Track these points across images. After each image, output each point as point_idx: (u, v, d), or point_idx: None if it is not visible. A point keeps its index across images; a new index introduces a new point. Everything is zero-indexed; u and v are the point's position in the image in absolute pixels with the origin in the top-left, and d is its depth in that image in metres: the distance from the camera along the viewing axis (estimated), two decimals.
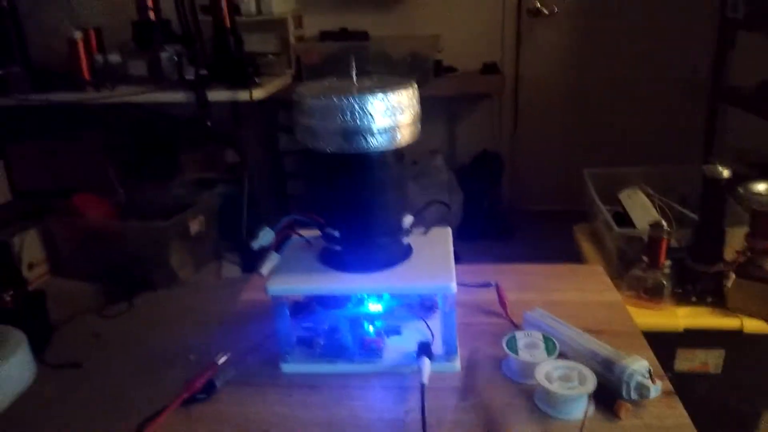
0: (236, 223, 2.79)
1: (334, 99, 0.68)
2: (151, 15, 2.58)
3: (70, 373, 2.09)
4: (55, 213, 2.78)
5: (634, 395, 0.68)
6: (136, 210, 2.79)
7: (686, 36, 2.97)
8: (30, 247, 2.74)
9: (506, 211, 3.25)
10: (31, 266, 2.73)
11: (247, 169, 2.77)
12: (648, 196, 1.80)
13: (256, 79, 2.54)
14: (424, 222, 0.86)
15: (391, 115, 0.69)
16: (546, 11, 3.08)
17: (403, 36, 3.06)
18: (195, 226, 2.79)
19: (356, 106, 0.68)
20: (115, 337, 2.34)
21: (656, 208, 1.76)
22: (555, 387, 0.66)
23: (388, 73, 2.55)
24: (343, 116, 0.68)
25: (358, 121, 0.68)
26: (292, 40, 3.00)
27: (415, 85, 0.73)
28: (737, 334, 1.41)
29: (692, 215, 1.70)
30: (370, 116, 0.68)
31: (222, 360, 0.78)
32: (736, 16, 2.31)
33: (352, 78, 0.75)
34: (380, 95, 0.68)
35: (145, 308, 2.56)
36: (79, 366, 2.12)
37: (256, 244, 0.76)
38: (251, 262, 2.78)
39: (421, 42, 2.93)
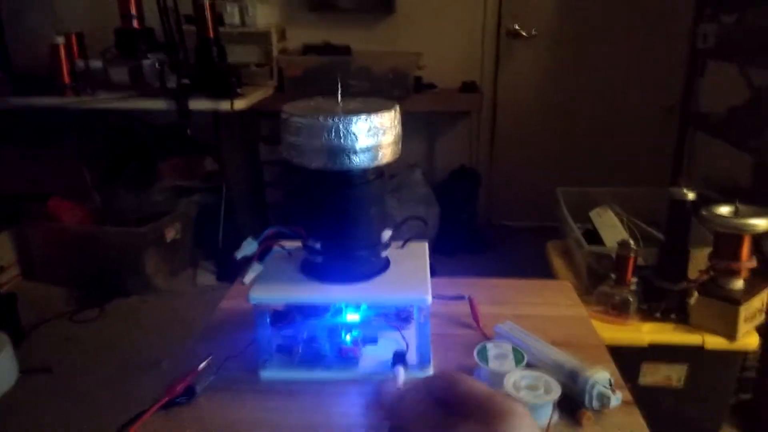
0: (212, 231, 2.79)
1: (320, 119, 0.71)
2: (135, 23, 2.59)
3: (41, 378, 2.07)
4: (30, 217, 2.76)
5: (595, 404, 0.72)
6: (112, 216, 2.78)
7: (659, 63, 3.08)
8: (2, 249, 2.72)
9: (482, 226, 3.31)
10: (2, 269, 2.70)
11: (226, 177, 2.78)
12: (617, 215, 1.86)
13: (238, 90, 2.57)
14: (402, 236, 0.90)
15: (373, 135, 0.73)
16: (525, 33, 3.17)
17: (385, 52, 3.11)
18: (171, 234, 2.78)
19: (341, 127, 0.71)
20: (87, 343, 2.33)
21: (625, 228, 1.82)
22: (522, 395, 0.70)
23: (369, 88, 2.58)
24: (327, 135, 0.71)
25: (342, 140, 0.72)
26: (275, 52, 3.03)
27: (398, 107, 0.77)
28: (699, 350, 1.47)
29: (659, 235, 1.77)
30: (353, 136, 0.72)
31: (202, 365, 0.80)
32: (706, 46, 2.41)
33: (337, 98, 0.79)
34: (364, 116, 0.72)
35: (117, 314, 2.55)
36: (49, 371, 2.11)
37: (239, 254, 0.79)
38: (226, 270, 2.79)
39: (402, 59, 2.98)
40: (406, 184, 2.99)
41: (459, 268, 2.87)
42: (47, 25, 2.97)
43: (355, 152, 0.73)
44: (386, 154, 0.76)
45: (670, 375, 1.52)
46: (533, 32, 3.16)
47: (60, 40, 2.62)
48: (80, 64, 2.63)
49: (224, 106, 2.50)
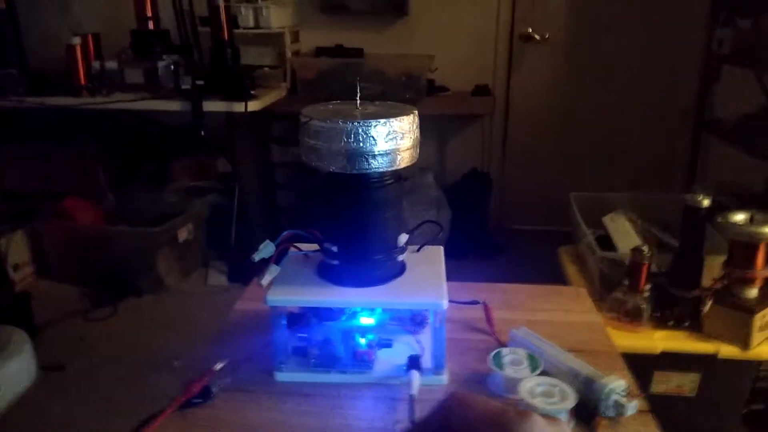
0: (225, 232, 2.81)
1: (340, 122, 0.72)
2: (150, 24, 2.61)
3: (54, 376, 2.09)
4: (44, 215, 2.78)
5: (611, 412, 0.72)
6: (126, 216, 2.80)
7: (673, 67, 3.06)
8: (17, 248, 2.74)
9: (493, 230, 3.30)
10: (16, 267, 2.72)
11: (238, 178, 2.79)
12: (631, 221, 1.85)
13: (252, 91, 2.58)
14: (416, 239, 0.90)
15: (392, 139, 0.73)
16: (537, 37, 3.16)
17: (398, 55, 3.11)
18: (183, 234, 2.80)
19: (360, 130, 0.72)
20: (100, 342, 2.35)
21: (638, 234, 1.81)
22: (537, 402, 0.69)
23: (381, 90, 2.58)
24: (347, 139, 0.72)
25: (361, 144, 0.72)
26: (288, 54, 3.04)
27: (416, 112, 0.77)
28: (712, 359, 1.46)
29: (673, 242, 1.76)
30: (372, 140, 0.72)
31: (219, 366, 0.81)
32: (721, 51, 2.39)
33: (354, 102, 0.79)
34: (383, 121, 0.72)
35: (130, 313, 2.57)
36: (62, 369, 2.12)
37: (257, 256, 0.79)
38: (238, 271, 2.80)
39: (415, 61, 2.98)
40: (418, 187, 2.99)
41: (470, 271, 2.85)
42: (64, 26, 3.00)
43: (374, 156, 0.74)
44: (404, 158, 0.77)
45: (683, 384, 1.51)
46: (546, 36, 3.15)
47: (76, 40, 2.64)
48: (96, 65, 2.65)
49: (238, 107, 2.51)
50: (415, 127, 0.77)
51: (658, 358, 1.48)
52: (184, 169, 3.06)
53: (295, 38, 3.18)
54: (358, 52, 3.06)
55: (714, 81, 2.67)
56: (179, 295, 2.71)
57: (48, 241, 2.80)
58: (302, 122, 0.76)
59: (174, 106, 2.54)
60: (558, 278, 1.95)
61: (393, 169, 0.76)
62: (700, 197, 1.48)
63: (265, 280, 0.79)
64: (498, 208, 3.37)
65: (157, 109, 2.61)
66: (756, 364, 1.52)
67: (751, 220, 1.41)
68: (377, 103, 0.80)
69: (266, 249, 0.80)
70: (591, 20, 3.11)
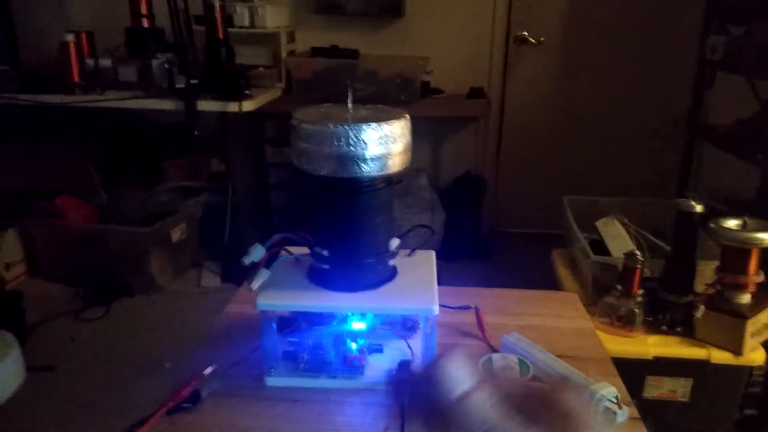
0: (218, 232, 2.79)
1: (330, 126, 0.71)
2: (145, 22, 2.60)
3: (44, 376, 2.07)
4: (36, 214, 2.76)
5: (601, 419, 0.72)
6: (118, 215, 2.79)
7: (667, 73, 3.07)
8: (8, 247, 2.72)
9: (487, 233, 3.30)
10: (8, 266, 2.71)
11: (232, 178, 2.78)
12: (624, 225, 1.85)
13: (247, 91, 2.57)
14: (408, 243, 0.90)
15: (383, 143, 0.73)
16: (533, 40, 3.16)
17: (393, 56, 3.11)
18: (176, 234, 2.79)
19: (351, 134, 0.71)
20: (91, 342, 2.33)
21: (631, 238, 1.82)
22: None
23: (375, 91, 2.57)
24: (338, 143, 0.71)
25: (352, 148, 0.71)
26: (283, 54, 3.04)
27: (408, 116, 0.77)
28: (704, 364, 1.46)
29: (666, 247, 1.76)
30: (363, 144, 0.72)
31: (208, 371, 0.80)
32: (714, 58, 2.40)
33: (346, 105, 0.79)
34: (374, 125, 0.72)
35: (122, 314, 2.55)
36: (53, 369, 2.11)
37: (247, 260, 0.78)
38: (231, 272, 2.79)
39: (410, 63, 2.98)
40: (411, 189, 2.99)
41: (462, 274, 2.84)
42: (57, 24, 2.98)
43: (365, 160, 0.73)
44: (396, 163, 0.76)
45: (675, 389, 1.51)
46: (541, 39, 3.16)
47: (70, 38, 2.62)
48: (89, 62, 2.63)
49: (232, 107, 2.50)
50: (407, 131, 0.76)
51: (651, 363, 1.48)
52: (177, 168, 3.05)
53: (291, 38, 3.17)
54: (354, 53, 3.06)
55: (707, 87, 2.67)
56: (172, 296, 2.70)
57: (40, 240, 2.78)
58: (293, 125, 0.75)
59: (168, 105, 2.52)
60: (550, 281, 1.94)
61: (384, 173, 0.75)
62: (693, 203, 1.48)
63: (255, 284, 0.78)
64: (491, 211, 3.37)
65: (150, 108, 2.59)
66: (748, 370, 1.52)
67: (744, 226, 1.41)
68: (369, 106, 0.80)
69: (256, 252, 0.80)
70: (586, 25, 3.12)
